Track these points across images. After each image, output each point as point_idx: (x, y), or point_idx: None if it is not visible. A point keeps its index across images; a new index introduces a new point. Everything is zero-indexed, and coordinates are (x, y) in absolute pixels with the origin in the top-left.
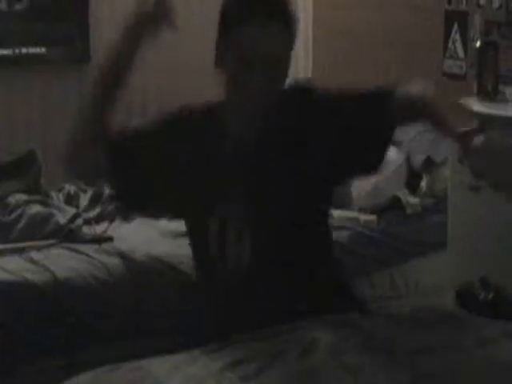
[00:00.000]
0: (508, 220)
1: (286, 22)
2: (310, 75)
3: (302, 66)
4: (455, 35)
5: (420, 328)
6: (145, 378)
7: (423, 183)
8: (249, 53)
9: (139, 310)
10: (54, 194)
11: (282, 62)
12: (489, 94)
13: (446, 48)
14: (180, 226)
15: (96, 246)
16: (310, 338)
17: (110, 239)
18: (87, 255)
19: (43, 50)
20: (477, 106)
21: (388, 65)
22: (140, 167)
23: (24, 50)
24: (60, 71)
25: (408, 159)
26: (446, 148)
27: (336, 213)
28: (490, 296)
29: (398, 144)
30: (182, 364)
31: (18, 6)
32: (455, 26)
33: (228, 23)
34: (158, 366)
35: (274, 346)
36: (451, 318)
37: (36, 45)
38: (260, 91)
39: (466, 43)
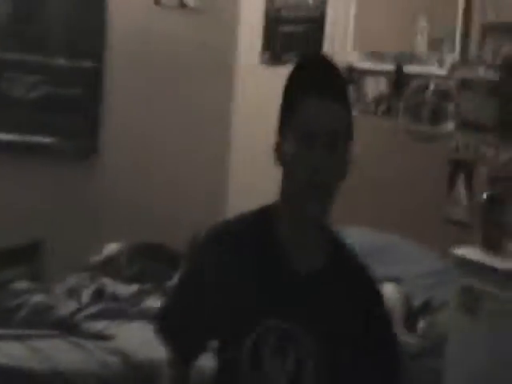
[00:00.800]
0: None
1: (346, 104)
2: None
3: None
4: (460, 183)
5: None
6: None
7: (421, 325)
8: (312, 126)
9: None
10: (56, 285)
11: (341, 141)
12: (493, 246)
13: (449, 194)
14: None
15: (97, 343)
16: None
17: (110, 337)
18: (89, 351)
19: (52, 140)
20: (480, 256)
21: (392, 204)
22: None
23: (33, 139)
24: (67, 162)
25: (407, 298)
26: (444, 293)
27: None
28: None
29: (398, 281)
30: None
31: (33, 94)
32: (460, 175)
33: (292, 100)
34: None
35: None
36: None
37: (45, 134)
38: (321, 169)
39: (470, 192)
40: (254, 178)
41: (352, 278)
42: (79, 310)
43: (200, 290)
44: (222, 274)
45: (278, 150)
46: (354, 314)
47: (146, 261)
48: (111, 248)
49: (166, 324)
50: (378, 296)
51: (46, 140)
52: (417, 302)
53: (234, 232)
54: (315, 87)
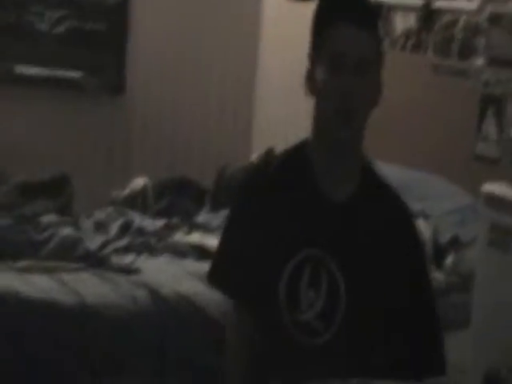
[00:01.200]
0: None
1: (375, 31)
2: None
3: None
4: (489, 119)
5: None
6: None
7: (449, 260)
8: (341, 51)
9: (163, 347)
10: (84, 219)
11: (371, 67)
12: None
13: (479, 131)
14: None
15: (125, 277)
16: None
17: (137, 271)
18: (116, 284)
19: (79, 74)
20: (508, 192)
21: (421, 141)
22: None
23: (60, 73)
24: (94, 97)
25: (435, 234)
26: (473, 229)
27: None
28: None
29: (426, 217)
30: None
31: (58, 29)
32: (490, 110)
33: (322, 26)
34: None
35: None
36: None
37: (72, 69)
38: (350, 93)
39: (500, 128)
40: (279, 112)
41: (384, 207)
42: (106, 243)
43: (248, 240)
44: (266, 219)
45: (310, 78)
46: (390, 255)
47: (173, 196)
48: (138, 183)
49: (221, 276)
50: (414, 247)
51: (73, 74)
52: (444, 239)
53: (272, 180)
54: (344, 13)
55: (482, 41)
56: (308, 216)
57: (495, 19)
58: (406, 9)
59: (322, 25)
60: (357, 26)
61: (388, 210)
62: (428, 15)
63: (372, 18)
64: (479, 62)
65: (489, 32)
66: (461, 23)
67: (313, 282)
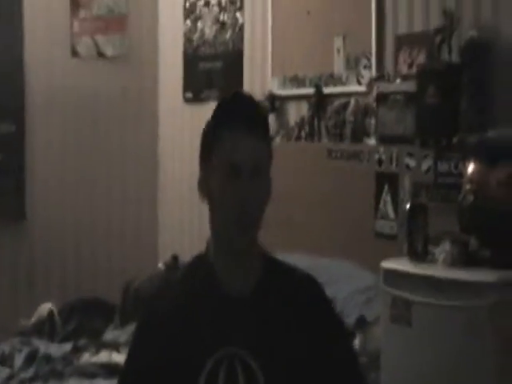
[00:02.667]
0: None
1: (265, 135)
2: None
3: None
4: (386, 196)
5: None
6: None
7: (356, 342)
8: (235, 160)
9: None
10: None
11: (263, 171)
12: (418, 255)
13: (377, 209)
14: None
15: None
16: None
17: None
18: None
19: None
20: (407, 266)
21: (322, 226)
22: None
23: None
24: None
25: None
26: (377, 308)
27: None
28: None
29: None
30: None
31: None
32: (385, 188)
33: (214, 135)
34: None
35: None
36: None
37: None
38: (246, 200)
39: (396, 204)
40: (182, 216)
41: (291, 286)
42: (12, 376)
43: (154, 354)
44: (173, 330)
45: (202, 185)
46: (303, 334)
47: (81, 316)
48: (43, 309)
49: None
50: (325, 305)
51: None
52: (351, 321)
53: (177, 290)
54: (235, 121)
55: (373, 121)
56: (217, 317)
57: (382, 99)
58: (299, 98)
59: (213, 134)
60: (248, 134)
61: (295, 286)
62: (319, 101)
63: (261, 124)
64: (371, 141)
65: (378, 111)
66: (351, 106)
67: (229, 380)
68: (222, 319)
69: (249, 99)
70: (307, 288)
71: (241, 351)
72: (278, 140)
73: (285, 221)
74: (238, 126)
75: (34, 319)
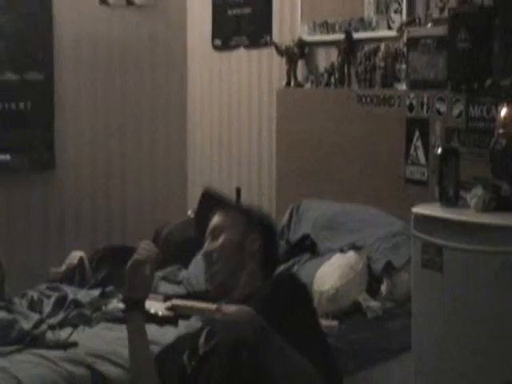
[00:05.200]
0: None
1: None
2: (273, 185)
3: (266, 177)
4: (416, 142)
5: None
6: None
7: (383, 287)
8: None
9: None
10: (17, 300)
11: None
12: (450, 200)
13: (408, 155)
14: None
15: (62, 353)
16: None
17: (74, 345)
18: (53, 362)
19: (7, 156)
20: (438, 211)
21: (351, 173)
22: None
23: None
24: (25, 177)
25: (368, 264)
26: (406, 253)
27: None
28: None
29: (357, 248)
30: None
31: None
32: (416, 133)
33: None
34: None
35: None
36: None
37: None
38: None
39: (427, 150)
40: (211, 162)
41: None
42: (41, 321)
43: None
44: None
45: None
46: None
47: (111, 265)
48: (73, 256)
49: None
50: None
51: (1, 157)
52: (378, 266)
53: None
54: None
55: (403, 66)
56: None
57: (413, 44)
58: (328, 44)
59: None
60: None
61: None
62: (349, 46)
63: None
64: (402, 87)
65: (409, 56)
66: (381, 51)
67: None
68: None
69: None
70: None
71: None
72: (307, 86)
73: (314, 168)
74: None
75: (64, 267)
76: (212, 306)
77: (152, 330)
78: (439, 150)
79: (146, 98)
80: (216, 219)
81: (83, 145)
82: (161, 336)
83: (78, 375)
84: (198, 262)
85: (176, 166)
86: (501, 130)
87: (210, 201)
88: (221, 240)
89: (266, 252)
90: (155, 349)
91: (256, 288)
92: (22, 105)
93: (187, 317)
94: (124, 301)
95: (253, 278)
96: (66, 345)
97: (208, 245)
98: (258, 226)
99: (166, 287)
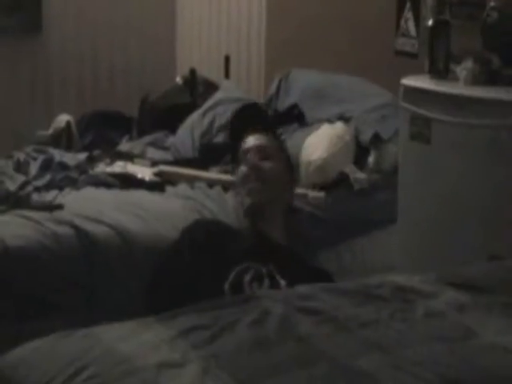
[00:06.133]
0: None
1: None
2: (262, 54)
3: (255, 45)
4: (407, 13)
5: (369, 301)
6: (96, 344)
7: (370, 159)
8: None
9: (92, 283)
10: (3, 161)
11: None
12: (440, 72)
13: (398, 26)
14: (130, 195)
15: (47, 214)
16: (262, 308)
17: (60, 207)
18: (38, 223)
19: None
20: (428, 83)
21: (341, 44)
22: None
23: None
24: (11, 38)
25: (356, 135)
26: (393, 125)
27: None
28: None
29: (345, 120)
30: (135, 331)
31: None
32: (407, 5)
33: None
34: (110, 332)
35: (226, 316)
36: (400, 291)
37: None
38: None
39: (418, 21)
40: (200, 30)
41: None
42: (27, 182)
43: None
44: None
45: None
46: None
47: (98, 129)
48: (61, 120)
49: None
50: None
51: None
52: (366, 137)
53: None
54: None
55: None
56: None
57: None
58: None
59: None
60: None
61: None
62: None
63: None
64: None
65: None
66: None
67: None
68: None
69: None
70: None
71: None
72: None
73: (304, 37)
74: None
75: (51, 130)
76: (198, 173)
77: (139, 194)
78: (430, 22)
79: None
80: (262, 140)
81: (71, 6)
82: (149, 202)
83: (64, 235)
84: (185, 129)
85: (164, 33)
86: (492, 3)
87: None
88: (272, 165)
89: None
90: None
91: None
92: None
93: (174, 183)
94: None
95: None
96: (51, 207)
97: (257, 160)
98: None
99: (153, 153)
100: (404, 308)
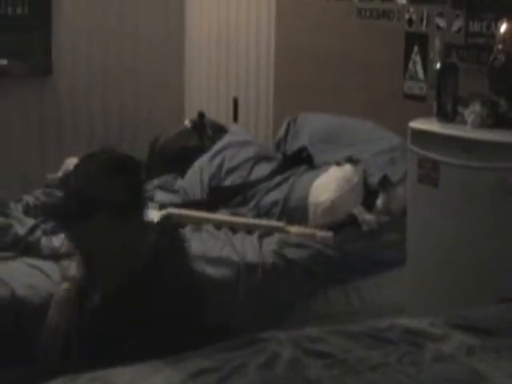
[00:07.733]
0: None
1: None
2: (271, 97)
3: (264, 88)
4: (415, 57)
5: (378, 344)
6: None
7: (379, 201)
8: None
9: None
10: (12, 204)
11: None
12: (448, 115)
13: (406, 69)
14: None
15: (54, 264)
16: (271, 351)
17: (68, 255)
18: (46, 273)
19: (4, 61)
20: (436, 126)
21: (349, 87)
22: None
23: None
24: (22, 83)
25: (364, 178)
26: (402, 168)
27: (293, 229)
28: None
29: (354, 162)
30: (144, 374)
31: None
32: (415, 48)
33: None
34: (120, 376)
35: (235, 358)
36: (409, 334)
37: None
38: None
39: (425, 65)
40: (209, 74)
41: None
42: (36, 226)
43: None
44: None
45: None
46: None
47: None
48: (70, 163)
49: None
50: None
51: None
52: (374, 180)
53: None
54: None
55: None
56: None
57: None
58: None
59: None
60: None
61: None
62: None
63: None
64: (401, 0)
65: None
66: None
67: None
68: None
69: None
70: None
71: None
72: None
73: (312, 81)
74: None
75: (60, 173)
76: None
77: None
78: (438, 65)
79: (143, 6)
80: None
81: (81, 51)
82: None
83: None
84: (194, 172)
85: (173, 76)
86: (500, 46)
87: None
88: None
89: None
90: None
91: None
92: (19, 9)
93: (182, 225)
94: None
95: None
96: (60, 256)
97: None
98: None
99: (161, 196)
100: (413, 351)
